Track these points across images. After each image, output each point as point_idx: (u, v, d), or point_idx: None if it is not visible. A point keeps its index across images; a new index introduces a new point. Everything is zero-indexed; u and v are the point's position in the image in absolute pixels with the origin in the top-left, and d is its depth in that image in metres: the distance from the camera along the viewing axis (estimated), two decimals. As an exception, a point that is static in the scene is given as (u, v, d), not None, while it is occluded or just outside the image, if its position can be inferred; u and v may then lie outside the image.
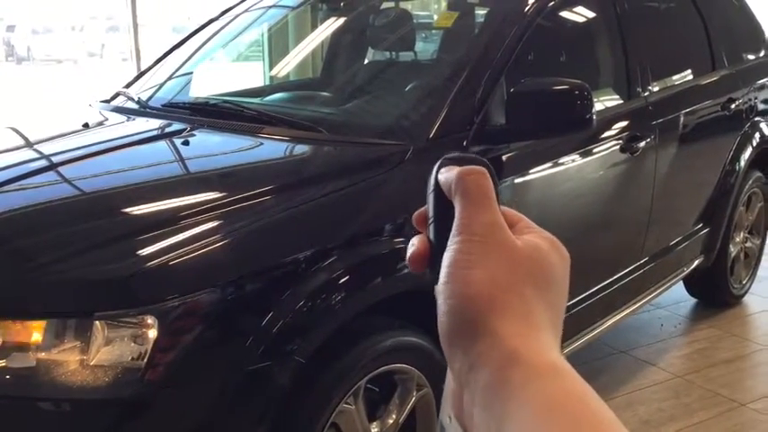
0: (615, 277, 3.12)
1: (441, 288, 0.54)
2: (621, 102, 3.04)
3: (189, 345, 1.69)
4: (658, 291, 3.50)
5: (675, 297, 4.14)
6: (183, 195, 2.00)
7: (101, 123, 2.62)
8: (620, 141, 2.89)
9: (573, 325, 2.93)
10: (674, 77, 3.41)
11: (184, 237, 1.78)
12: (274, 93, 3.05)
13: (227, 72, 3.43)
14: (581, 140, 2.70)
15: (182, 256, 1.74)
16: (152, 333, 1.65)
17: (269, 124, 2.32)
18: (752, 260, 4.24)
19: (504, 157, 2.39)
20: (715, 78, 3.67)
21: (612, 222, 3.00)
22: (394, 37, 3.15)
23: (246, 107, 2.47)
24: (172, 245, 1.75)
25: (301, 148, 2.27)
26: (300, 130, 2.28)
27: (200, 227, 1.82)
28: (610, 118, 2.89)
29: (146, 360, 1.64)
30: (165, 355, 1.66)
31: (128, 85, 2.99)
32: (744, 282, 4.19)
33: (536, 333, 0.52)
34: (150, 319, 1.65)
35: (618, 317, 3.23)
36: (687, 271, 3.68)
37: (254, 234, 1.85)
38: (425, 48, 3.40)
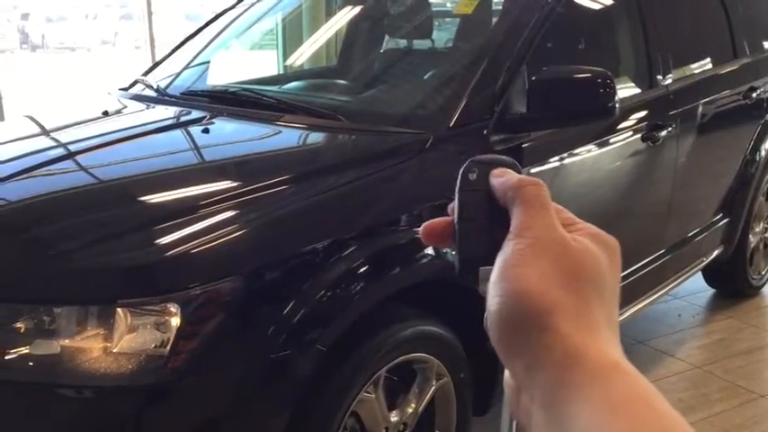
0: (635, 267, 3.10)
1: (492, 286, 0.53)
2: (642, 90, 3.01)
3: (211, 333, 1.69)
4: (677, 281, 3.48)
5: (693, 287, 4.11)
6: (202, 184, 1.99)
7: (120, 111, 2.61)
8: (642, 130, 2.87)
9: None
10: (695, 66, 3.37)
11: (205, 225, 1.78)
12: (291, 81, 3.04)
13: (243, 60, 3.42)
14: (602, 129, 2.67)
15: (202, 245, 1.73)
16: (175, 321, 1.65)
17: (288, 112, 2.31)
18: (771, 250, 4.21)
19: (524, 146, 2.37)
20: (736, 67, 3.63)
21: (633, 212, 2.97)
22: (410, 25, 3.13)
23: (265, 95, 2.46)
24: (192, 233, 1.75)
25: (320, 137, 2.26)
26: (319, 118, 2.27)
27: (221, 215, 1.81)
28: (631, 106, 2.87)
29: (169, 348, 1.64)
30: (188, 343, 1.66)
31: (146, 73, 2.98)
32: (763, 272, 4.15)
33: (596, 331, 0.50)
34: (173, 307, 1.65)
35: (637, 307, 3.20)
36: (706, 261, 3.65)
37: (274, 223, 1.84)
38: (440, 36, 3.37)
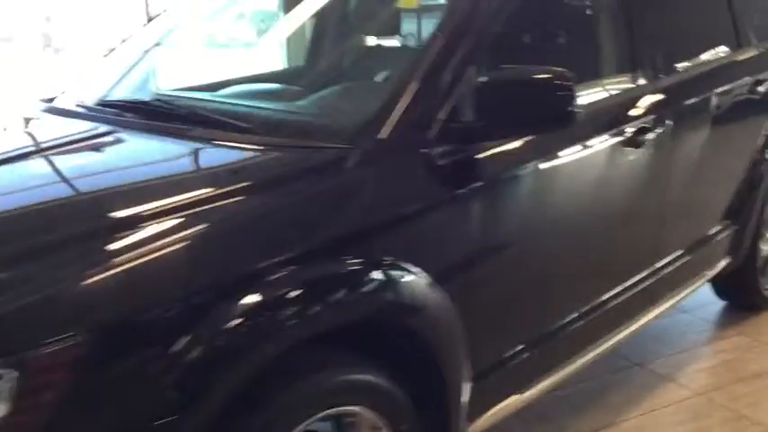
0: (627, 284, 2.77)
1: None
2: (627, 88, 2.67)
3: (63, 403, 1.40)
4: (679, 297, 3.13)
5: (702, 299, 3.76)
6: (75, 215, 1.70)
7: (22, 126, 2.33)
8: (625, 133, 2.53)
9: (585, 335, 2.62)
10: (691, 58, 3.02)
11: (64, 266, 1.49)
12: (239, 85, 2.74)
13: (197, 61, 3.14)
14: (576, 135, 2.35)
15: (59, 290, 1.45)
16: (12, 388, 1.36)
17: (200, 125, 2.02)
18: (787, 258, 3.83)
19: (478, 158, 2.06)
20: (740, 58, 3.27)
21: (617, 227, 2.64)
22: (365, 20, 2.82)
23: (175, 105, 2.16)
24: (45, 277, 1.46)
25: (226, 155, 1.95)
26: (232, 131, 1.97)
27: (88, 252, 1.52)
28: (610, 108, 2.53)
29: (2, 423, 1.35)
30: (31, 417, 1.38)
31: (70, 80, 2.69)
32: (778, 282, 3.78)
33: None
34: (10, 372, 1.36)
35: (634, 326, 2.88)
36: (712, 274, 3.30)
37: (152, 261, 1.54)
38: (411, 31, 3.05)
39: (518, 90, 1.97)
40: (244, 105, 2.24)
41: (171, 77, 2.87)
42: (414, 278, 1.88)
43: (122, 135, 2.12)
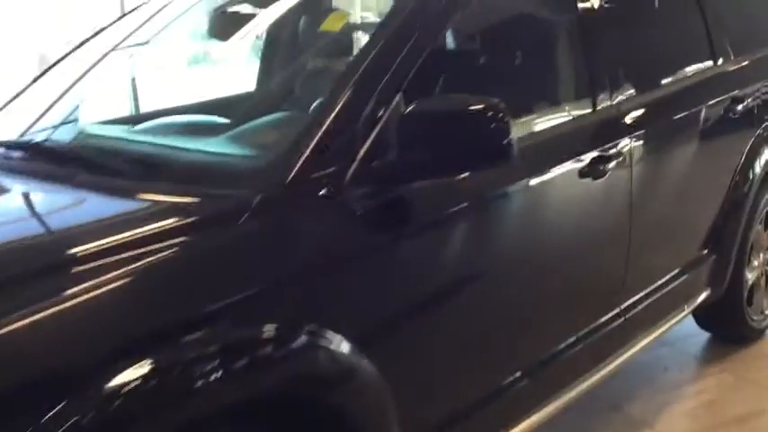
0: (593, 326, 2.52)
1: None
2: (583, 114, 2.43)
3: None
4: (656, 334, 2.88)
5: (687, 330, 3.50)
6: None
7: None
8: (580, 164, 2.29)
9: (546, 386, 2.38)
10: (660, 77, 2.78)
11: None
12: (167, 117, 2.50)
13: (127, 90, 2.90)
14: (523, 167, 2.11)
15: None
16: None
17: (86, 169, 1.78)
18: (776, 284, 3.58)
19: (404, 200, 1.82)
20: (713, 75, 3.03)
21: (579, 265, 2.39)
22: (308, 44, 2.59)
23: (60, 145, 1.93)
24: None
25: (104, 205, 1.71)
26: (117, 176, 1.73)
27: None
28: (564, 136, 2.29)
29: None
30: None
31: None
32: (766, 312, 3.53)
33: None
34: None
35: (606, 369, 2.63)
36: (690, 309, 3.05)
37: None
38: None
39: (448, 122, 1.74)
40: (149, 144, 2.00)
41: (94, 109, 2.63)
42: (331, 344, 1.64)
43: (9, 179, 1.89)
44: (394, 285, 1.80)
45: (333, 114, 1.78)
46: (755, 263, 3.41)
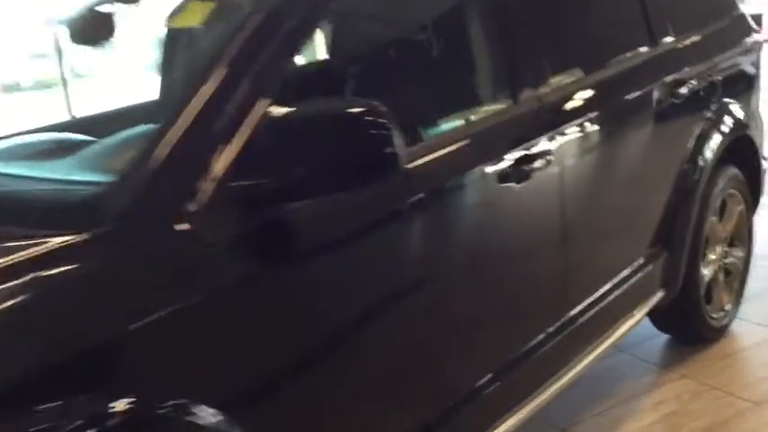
0: (528, 347, 2.25)
1: None
2: (501, 108, 2.15)
3: None
4: (605, 345, 2.61)
5: (645, 333, 3.24)
6: None
7: None
8: (499, 167, 2.00)
9: (487, 410, 2.12)
10: (589, 63, 2.50)
11: None
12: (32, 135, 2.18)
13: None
14: (425, 178, 1.83)
15: None
16: None
17: None
18: (736, 277, 3.33)
19: (282, 223, 1.53)
20: (652, 57, 2.76)
21: (503, 282, 2.11)
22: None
23: None
24: None
25: None
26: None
27: None
28: (476, 137, 2.00)
29: None
30: None
31: None
32: (727, 307, 3.28)
33: None
34: None
35: (552, 388, 2.36)
36: (641, 314, 2.78)
37: None
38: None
39: (322, 130, 1.45)
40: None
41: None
42: (194, 417, 1.34)
43: None
44: (272, 332, 1.50)
45: (183, 126, 1.47)
46: (712, 257, 3.15)
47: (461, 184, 1.91)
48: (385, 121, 1.45)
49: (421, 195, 1.75)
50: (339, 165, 1.45)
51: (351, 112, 1.44)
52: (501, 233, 2.04)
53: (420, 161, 1.76)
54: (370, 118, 1.44)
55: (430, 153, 1.82)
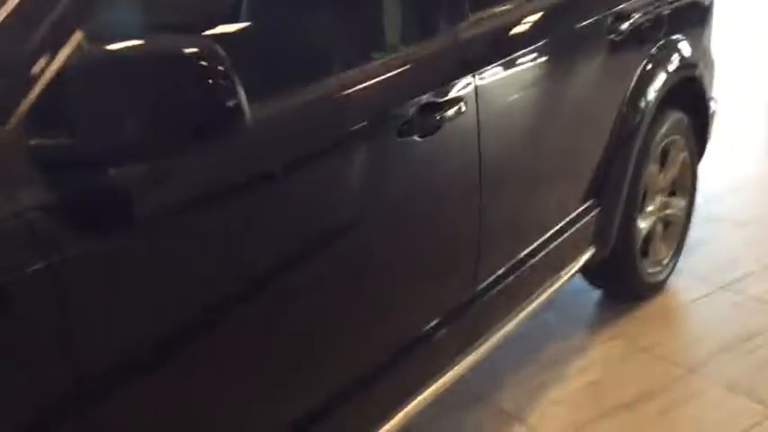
0: (444, 316, 1.99)
1: None
2: (405, 49, 1.83)
3: None
4: (528, 309, 2.37)
5: (575, 288, 3.03)
6: None
7: None
8: (401, 119, 1.70)
9: (412, 377, 1.93)
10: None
11: None
12: None
13: None
14: (307, 130, 1.52)
15: None
16: None
17: None
18: (677, 229, 3.11)
19: (123, 189, 1.22)
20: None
21: (408, 248, 1.83)
22: None
23: None
24: None
25: None
26: None
27: None
28: (368, 85, 1.67)
29: None
30: None
31: None
32: (666, 261, 3.06)
33: None
34: None
35: (473, 356, 2.13)
36: (568, 275, 2.54)
37: None
38: None
39: (145, 76, 1.12)
40: None
41: None
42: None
43: None
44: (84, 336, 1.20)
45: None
46: (650, 207, 2.92)
47: (348, 143, 1.59)
48: (224, 68, 1.13)
49: (275, 161, 1.44)
50: (166, 121, 1.13)
51: (180, 54, 1.12)
52: (401, 194, 1.74)
53: (280, 118, 1.45)
54: (204, 63, 1.12)
55: (293, 108, 1.50)
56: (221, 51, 1.13)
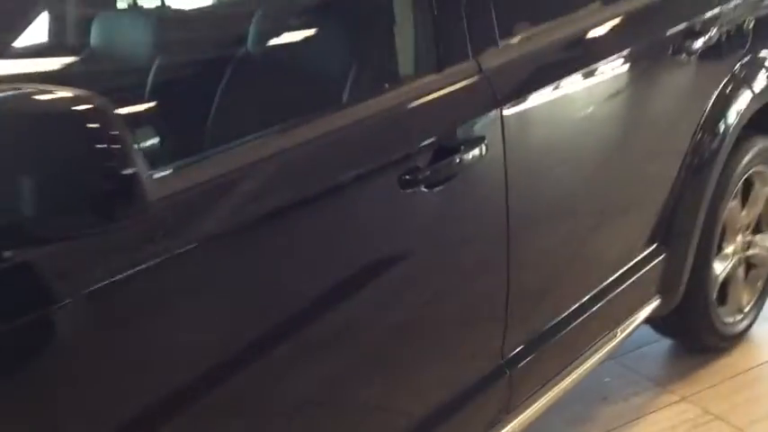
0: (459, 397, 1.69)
1: None
2: (419, 80, 1.53)
3: None
4: (576, 373, 2.04)
5: (637, 338, 2.63)
6: None
7: None
8: (405, 166, 1.40)
9: None
10: (554, 11, 1.84)
11: None
12: None
13: None
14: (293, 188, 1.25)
15: None
16: None
17: None
18: (762, 271, 2.70)
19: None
20: (648, 2, 2.08)
21: (419, 324, 1.53)
22: None
23: None
24: None
25: None
26: None
27: None
28: (374, 123, 1.38)
29: None
30: None
31: None
32: (747, 308, 2.66)
33: None
34: None
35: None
36: (624, 334, 2.19)
37: None
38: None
39: (15, 137, 0.87)
40: None
41: None
42: None
43: None
44: None
45: None
46: (730, 248, 2.53)
47: (343, 196, 1.31)
48: (117, 131, 0.86)
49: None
50: (44, 198, 0.87)
51: (65, 112, 0.86)
52: (400, 267, 1.43)
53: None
54: (94, 124, 0.85)
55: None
56: (110, 109, 0.86)
